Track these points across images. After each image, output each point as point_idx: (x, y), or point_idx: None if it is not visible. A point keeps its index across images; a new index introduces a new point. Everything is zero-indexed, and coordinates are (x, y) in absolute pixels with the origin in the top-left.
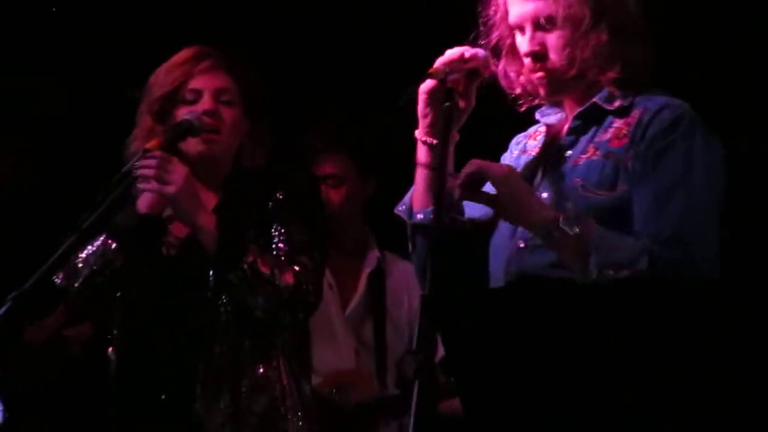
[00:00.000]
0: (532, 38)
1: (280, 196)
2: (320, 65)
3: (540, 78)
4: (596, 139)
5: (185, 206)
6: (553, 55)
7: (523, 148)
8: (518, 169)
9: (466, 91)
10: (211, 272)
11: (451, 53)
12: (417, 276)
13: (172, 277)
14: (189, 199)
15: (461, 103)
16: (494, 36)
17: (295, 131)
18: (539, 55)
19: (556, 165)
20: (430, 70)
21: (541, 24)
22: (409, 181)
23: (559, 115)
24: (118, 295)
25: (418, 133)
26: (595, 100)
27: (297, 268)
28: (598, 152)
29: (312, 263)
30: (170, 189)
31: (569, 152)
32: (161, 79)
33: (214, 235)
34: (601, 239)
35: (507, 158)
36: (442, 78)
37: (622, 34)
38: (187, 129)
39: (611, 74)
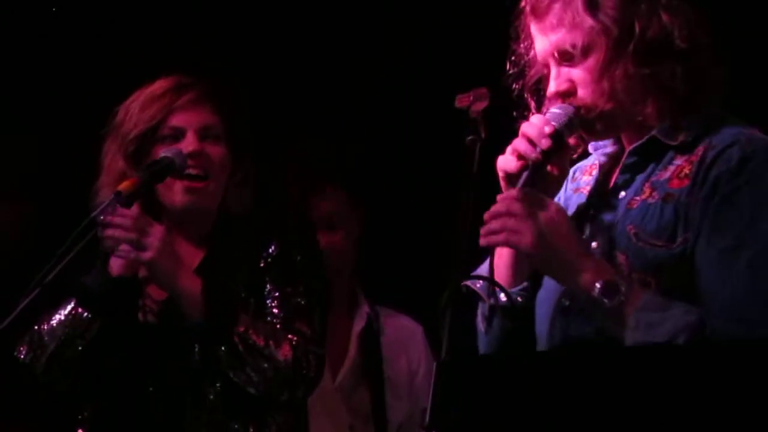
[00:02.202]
0: (558, 76)
1: (273, 250)
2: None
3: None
4: (654, 178)
5: (163, 271)
6: (581, 92)
7: (576, 186)
8: (568, 211)
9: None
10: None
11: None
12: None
13: (152, 347)
14: (168, 263)
15: (552, 171)
16: (532, 74)
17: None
18: (567, 94)
19: (607, 208)
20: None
21: (564, 58)
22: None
23: (614, 148)
24: (91, 370)
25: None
26: (654, 133)
27: (294, 338)
28: (655, 194)
29: (311, 331)
30: (146, 255)
31: (623, 193)
32: (135, 114)
33: (199, 302)
34: (643, 312)
35: (560, 194)
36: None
37: (658, 60)
38: (167, 169)
39: (654, 108)
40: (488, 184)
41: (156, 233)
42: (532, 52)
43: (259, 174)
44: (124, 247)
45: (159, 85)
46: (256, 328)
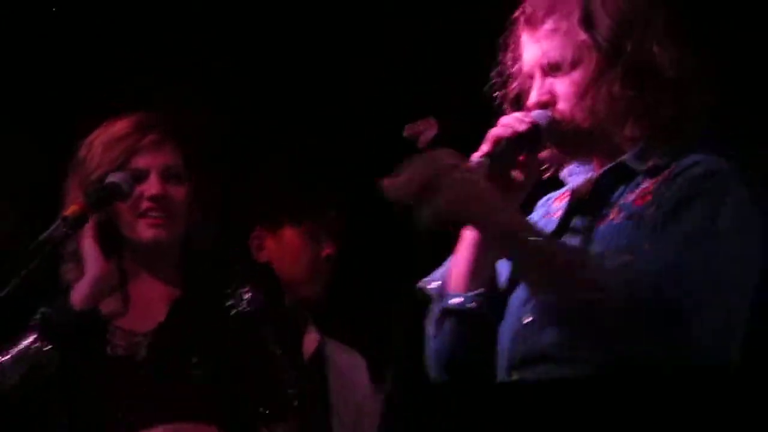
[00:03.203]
0: (541, 86)
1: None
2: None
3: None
4: (622, 201)
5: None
6: (562, 105)
7: (546, 211)
8: None
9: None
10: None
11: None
12: (430, 363)
13: (123, 381)
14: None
15: (517, 176)
16: (513, 87)
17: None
18: (546, 105)
19: (576, 232)
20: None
21: (549, 69)
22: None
23: (588, 174)
24: (57, 402)
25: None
26: (624, 158)
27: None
28: (621, 215)
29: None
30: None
31: (591, 216)
32: (98, 156)
33: None
34: (571, 255)
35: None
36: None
37: (646, 85)
38: (114, 193)
39: (632, 131)
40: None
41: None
42: (517, 65)
43: (224, 205)
44: None
45: (121, 126)
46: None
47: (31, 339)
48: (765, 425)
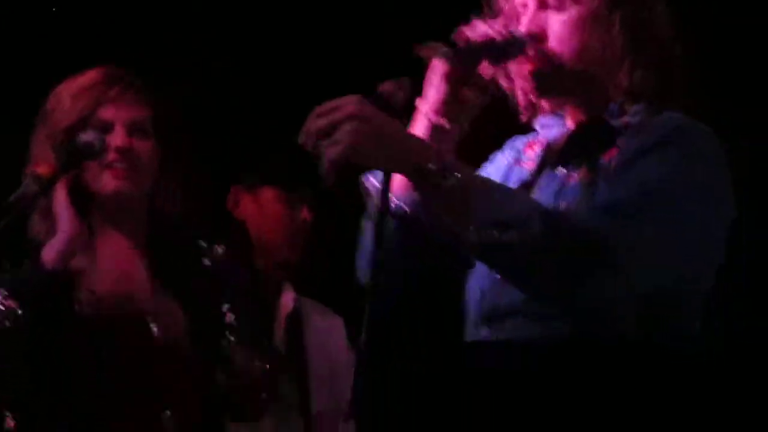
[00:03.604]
0: (533, 18)
1: (223, 266)
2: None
3: (534, 70)
4: (592, 158)
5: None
6: (553, 41)
7: (517, 157)
8: (509, 182)
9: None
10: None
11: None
12: (362, 264)
13: (91, 341)
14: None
15: (467, 94)
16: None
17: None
18: (538, 38)
19: (544, 185)
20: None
21: (546, 2)
22: None
23: (561, 128)
24: (26, 360)
25: (424, 107)
26: (601, 114)
27: (256, 358)
28: (591, 173)
29: (266, 361)
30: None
31: (562, 170)
32: (65, 107)
33: (181, 322)
34: (486, 191)
35: (498, 158)
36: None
37: (639, 34)
38: (86, 152)
39: (622, 79)
40: None
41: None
42: (509, 4)
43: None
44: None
45: (89, 77)
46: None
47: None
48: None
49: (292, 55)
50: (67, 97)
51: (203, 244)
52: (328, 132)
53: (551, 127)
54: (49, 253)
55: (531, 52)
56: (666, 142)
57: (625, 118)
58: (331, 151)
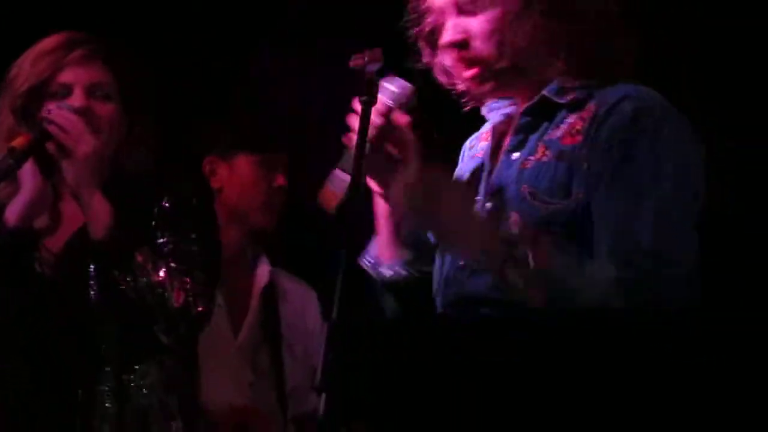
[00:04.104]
0: (455, 25)
1: (167, 200)
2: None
3: (470, 75)
4: (546, 137)
5: (90, 175)
6: (478, 43)
7: (473, 153)
8: (464, 176)
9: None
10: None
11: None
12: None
13: (48, 298)
14: (96, 169)
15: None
16: (426, 25)
17: (183, 128)
18: (462, 45)
19: (501, 170)
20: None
21: (463, 8)
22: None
23: (508, 110)
24: None
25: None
26: (544, 93)
27: (188, 281)
28: (548, 152)
29: (205, 276)
30: (82, 147)
31: (516, 154)
32: (26, 70)
33: (107, 218)
34: (563, 275)
35: (459, 166)
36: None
37: (569, 17)
38: None
39: (560, 65)
40: None
41: (91, 139)
42: (429, 1)
43: (158, 134)
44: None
45: (50, 41)
46: (154, 264)
47: None
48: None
49: (262, 16)
50: (28, 61)
51: (168, 201)
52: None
53: (499, 110)
54: (12, 213)
55: (458, 57)
56: (633, 139)
57: (572, 95)
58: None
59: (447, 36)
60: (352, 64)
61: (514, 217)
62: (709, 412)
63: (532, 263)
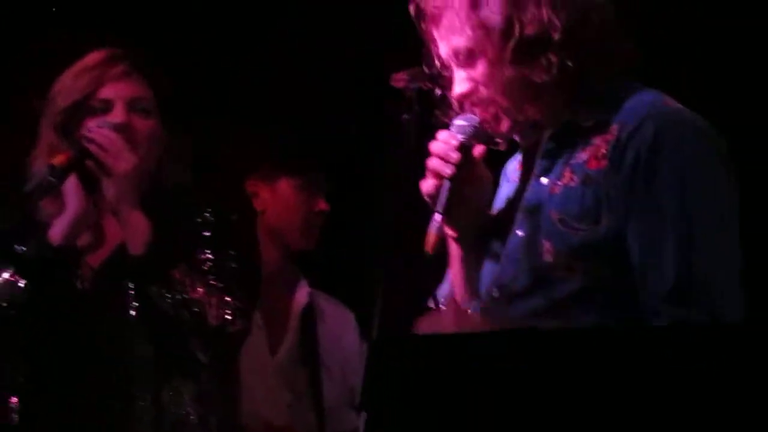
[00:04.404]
0: (460, 78)
1: (207, 215)
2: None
3: (488, 117)
4: (573, 161)
5: (130, 192)
6: (483, 90)
7: (510, 176)
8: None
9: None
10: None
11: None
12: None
13: (88, 314)
14: (132, 188)
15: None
16: (448, 75)
17: (222, 140)
18: (471, 94)
19: (532, 195)
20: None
21: (461, 60)
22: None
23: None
24: (26, 337)
25: (439, 220)
26: (568, 118)
27: (227, 298)
28: (575, 177)
29: (244, 293)
30: (122, 164)
31: (545, 179)
32: (67, 86)
33: (145, 234)
34: None
35: (498, 191)
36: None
37: (538, 54)
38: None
39: (545, 101)
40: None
41: (131, 156)
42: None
43: (197, 148)
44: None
45: (91, 57)
46: (192, 281)
47: (6, 275)
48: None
49: (306, 39)
50: (69, 77)
51: (208, 216)
52: None
53: (530, 135)
54: (56, 232)
55: (470, 104)
56: (659, 165)
57: (593, 117)
58: None
59: (456, 89)
60: (393, 83)
61: (546, 245)
62: None
63: None
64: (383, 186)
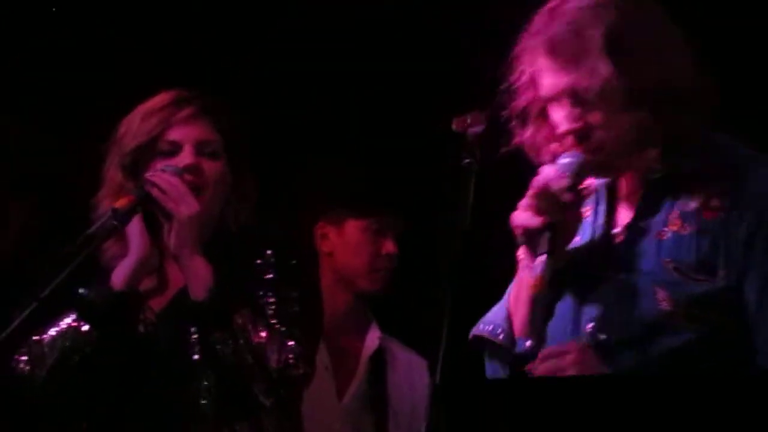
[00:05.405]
0: (570, 114)
1: (269, 256)
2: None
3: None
4: (680, 209)
5: (190, 236)
6: (598, 133)
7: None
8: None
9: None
10: (192, 340)
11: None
12: None
13: (151, 359)
14: (195, 231)
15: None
16: (520, 102)
17: (282, 180)
18: (582, 134)
19: (627, 241)
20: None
21: (579, 99)
22: None
23: (608, 179)
24: (89, 383)
25: (521, 254)
26: (671, 167)
27: (289, 342)
28: (687, 225)
29: (305, 337)
30: (184, 210)
31: (646, 223)
32: (135, 128)
33: (207, 280)
34: None
35: None
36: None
37: (670, 105)
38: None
39: (653, 153)
40: (483, 209)
41: (193, 201)
42: (525, 77)
43: (262, 191)
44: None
45: (159, 99)
46: (254, 325)
47: (69, 320)
48: None
49: (371, 80)
50: (137, 119)
51: (271, 258)
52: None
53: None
54: (118, 276)
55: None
56: None
57: (694, 166)
58: None
59: (566, 125)
60: (455, 126)
61: (661, 293)
62: None
63: None
64: (447, 231)
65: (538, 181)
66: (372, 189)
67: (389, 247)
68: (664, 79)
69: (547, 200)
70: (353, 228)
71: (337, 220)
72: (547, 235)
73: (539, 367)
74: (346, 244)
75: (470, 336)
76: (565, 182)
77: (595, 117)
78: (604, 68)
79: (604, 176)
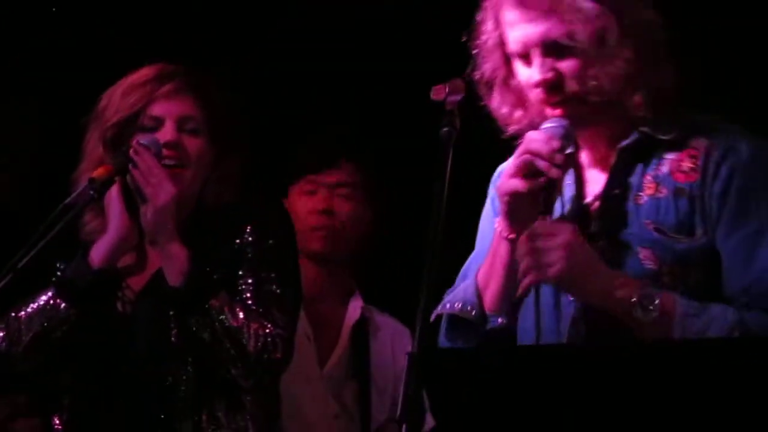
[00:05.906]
0: (543, 64)
1: (247, 236)
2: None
3: (560, 114)
4: (654, 173)
5: (168, 223)
6: (571, 83)
7: None
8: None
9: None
10: (171, 322)
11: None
12: None
13: (128, 336)
14: (170, 219)
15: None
16: (486, 67)
17: (272, 159)
18: (554, 85)
19: (607, 207)
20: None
21: (552, 47)
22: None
23: (571, 149)
24: (68, 359)
25: (499, 225)
26: (645, 129)
27: (267, 324)
28: (662, 188)
29: (284, 317)
30: (162, 196)
31: (620, 189)
32: (117, 101)
33: (184, 266)
34: (686, 320)
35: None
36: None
37: (649, 53)
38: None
39: (637, 98)
40: (462, 177)
41: (170, 186)
42: (491, 40)
43: (244, 168)
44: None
45: (142, 74)
46: (231, 308)
47: (47, 296)
48: None
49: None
50: (119, 92)
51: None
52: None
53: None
54: (98, 253)
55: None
56: (755, 180)
57: (671, 133)
58: (541, 274)
59: (538, 74)
60: (434, 95)
61: (644, 253)
62: None
63: (658, 308)
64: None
65: (527, 146)
66: (310, 151)
67: (317, 203)
68: (643, 22)
69: (544, 162)
70: (293, 195)
71: (289, 193)
72: (545, 195)
73: (522, 247)
74: (293, 213)
75: (433, 316)
76: (556, 143)
77: (569, 66)
78: (582, 12)
79: (584, 129)
